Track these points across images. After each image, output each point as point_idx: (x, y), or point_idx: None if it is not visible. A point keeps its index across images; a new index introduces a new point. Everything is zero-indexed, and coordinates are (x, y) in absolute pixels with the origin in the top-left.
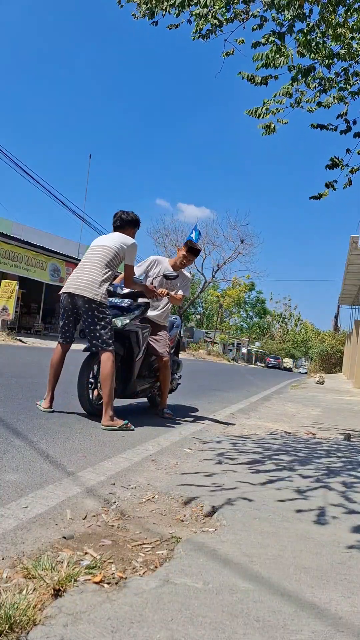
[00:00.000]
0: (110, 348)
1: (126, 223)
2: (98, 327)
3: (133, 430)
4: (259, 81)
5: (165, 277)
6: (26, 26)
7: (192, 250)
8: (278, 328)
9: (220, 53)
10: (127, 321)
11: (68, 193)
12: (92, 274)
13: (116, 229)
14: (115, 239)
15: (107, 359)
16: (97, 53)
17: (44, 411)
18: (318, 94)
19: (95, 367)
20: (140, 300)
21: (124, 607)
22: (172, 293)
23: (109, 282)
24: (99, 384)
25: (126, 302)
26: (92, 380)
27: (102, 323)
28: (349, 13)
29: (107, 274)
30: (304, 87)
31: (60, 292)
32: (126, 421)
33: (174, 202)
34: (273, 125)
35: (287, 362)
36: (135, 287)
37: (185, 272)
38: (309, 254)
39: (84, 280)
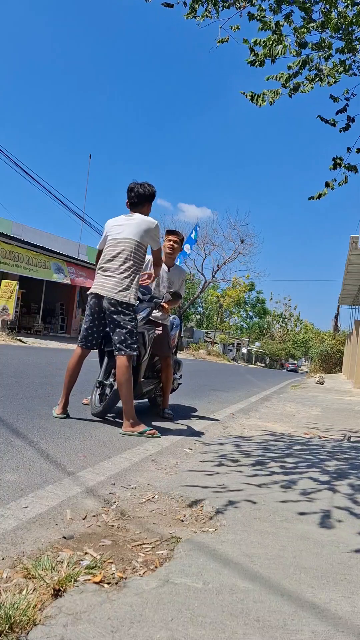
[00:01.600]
0: (134, 353)
1: (145, 199)
2: (124, 330)
3: (159, 437)
4: (251, 61)
5: (173, 294)
6: (26, 26)
7: (174, 233)
8: (278, 328)
9: (223, 52)
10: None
11: (68, 193)
12: (119, 273)
13: (133, 205)
14: (137, 228)
15: (121, 364)
16: (98, 52)
17: (57, 417)
18: (313, 84)
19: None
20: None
21: (124, 607)
22: (167, 295)
23: (137, 280)
24: (107, 388)
25: None
26: (100, 380)
27: (128, 327)
28: (349, 7)
29: (135, 271)
30: (301, 79)
31: (87, 292)
32: (149, 427)
33: (174, 202)
34: (263, 99)
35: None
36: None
37: (184, 267)
38: (309, 254)
39: (111, 280)
